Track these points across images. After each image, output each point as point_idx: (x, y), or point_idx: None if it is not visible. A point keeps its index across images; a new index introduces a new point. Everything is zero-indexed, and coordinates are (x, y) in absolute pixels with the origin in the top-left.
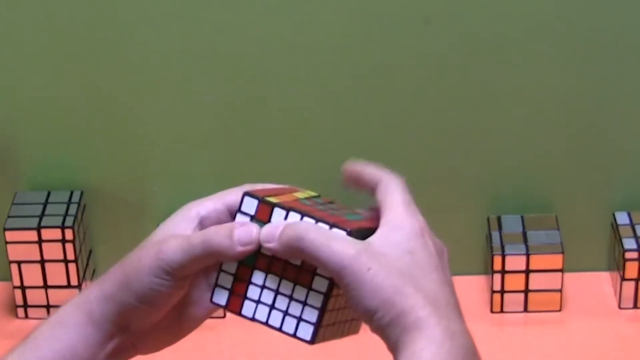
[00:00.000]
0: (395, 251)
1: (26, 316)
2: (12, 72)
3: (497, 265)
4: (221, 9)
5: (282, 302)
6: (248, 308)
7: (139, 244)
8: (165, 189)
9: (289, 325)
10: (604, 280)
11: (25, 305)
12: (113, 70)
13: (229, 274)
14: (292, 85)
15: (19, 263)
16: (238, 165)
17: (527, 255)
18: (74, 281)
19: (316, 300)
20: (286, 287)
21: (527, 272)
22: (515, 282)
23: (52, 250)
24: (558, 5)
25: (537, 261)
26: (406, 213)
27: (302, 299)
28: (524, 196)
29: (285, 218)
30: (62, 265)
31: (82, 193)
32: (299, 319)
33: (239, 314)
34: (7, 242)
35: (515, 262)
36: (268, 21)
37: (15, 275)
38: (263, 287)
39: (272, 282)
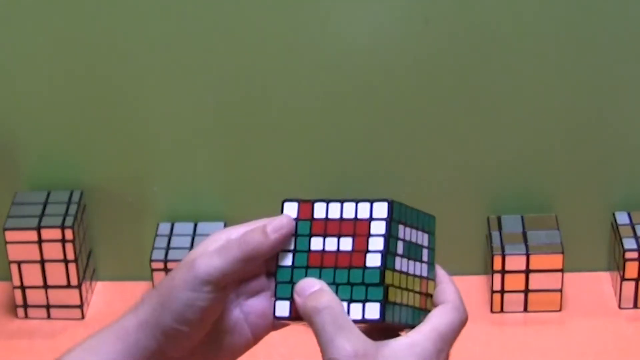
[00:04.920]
0: None
1: (26, 316)
2: (12, 72)
3: (497, 265)
4: (221, 8)
5: (343, 292)
6: None
7: (137, 243)
8: (165, 189)
9: (356, 311)
10: (604, 280)
11: (25, 305)
12: (113, 70)
13: (285, 282)
14: (292, 86)
15: (19, 263)
16: (238, 165)
17: (527, 255)
18: (74, 281)
19: (374, 276)
20: (342, 274)
21: (527, 272)
22: (515, 282)
23: (52, 250)
24: (558, 4)
25: (537, 261)
26: (434, 344)
27: (360, 280)
28: (524, 196)
29: (327, 209)
30: (62, 265)
31: (82, 193)
32: (364, 301)
33: None
34: (7, 242)
35: (515, 262)
36: (268, 21)
37: (15, 275)
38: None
39: (327, 275)
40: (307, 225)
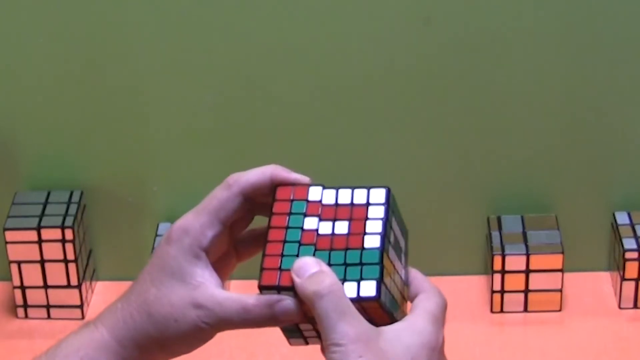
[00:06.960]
0: (399, 352)
1: (26, 316)
2: (12, 72)
3: (497, 265)
4: (221, 8)
5: (337, 272)
6: None
7: (137, 243)
8: (165, 189)
9: (350, 289)
10: (604, 280)
11: (25, 305)
12: (113, 70)
13: (274, 255)
14: (292, 86)
15: (19, 263)
16: (238, 165)
17: (527, 255)
18: (73, 281)
19: (373, 256)
20: (338, 256)
21: (527, 272)
22: (515, 282)
23: (52, 250)
24: (557, 4)
25: (537, 261)
26: (431, 324)
27: (357, 260)
28: (524, 196)
29: (322, 195)
30: (62, 265)
31: (82, 193)
32: (359, 280)
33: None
34: (7, 242)
35: (515, 262)
36: (268, 21)
37: (15, 275)
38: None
39: (322, 256)
40: (302, 205)
